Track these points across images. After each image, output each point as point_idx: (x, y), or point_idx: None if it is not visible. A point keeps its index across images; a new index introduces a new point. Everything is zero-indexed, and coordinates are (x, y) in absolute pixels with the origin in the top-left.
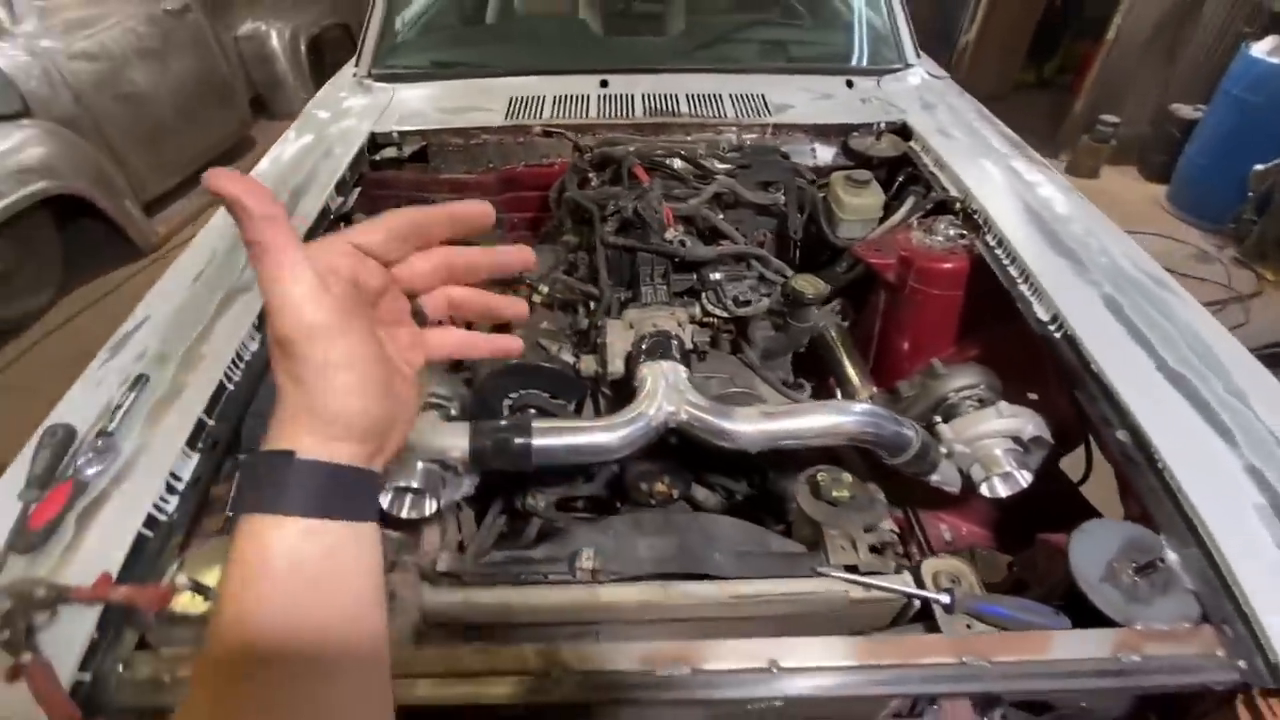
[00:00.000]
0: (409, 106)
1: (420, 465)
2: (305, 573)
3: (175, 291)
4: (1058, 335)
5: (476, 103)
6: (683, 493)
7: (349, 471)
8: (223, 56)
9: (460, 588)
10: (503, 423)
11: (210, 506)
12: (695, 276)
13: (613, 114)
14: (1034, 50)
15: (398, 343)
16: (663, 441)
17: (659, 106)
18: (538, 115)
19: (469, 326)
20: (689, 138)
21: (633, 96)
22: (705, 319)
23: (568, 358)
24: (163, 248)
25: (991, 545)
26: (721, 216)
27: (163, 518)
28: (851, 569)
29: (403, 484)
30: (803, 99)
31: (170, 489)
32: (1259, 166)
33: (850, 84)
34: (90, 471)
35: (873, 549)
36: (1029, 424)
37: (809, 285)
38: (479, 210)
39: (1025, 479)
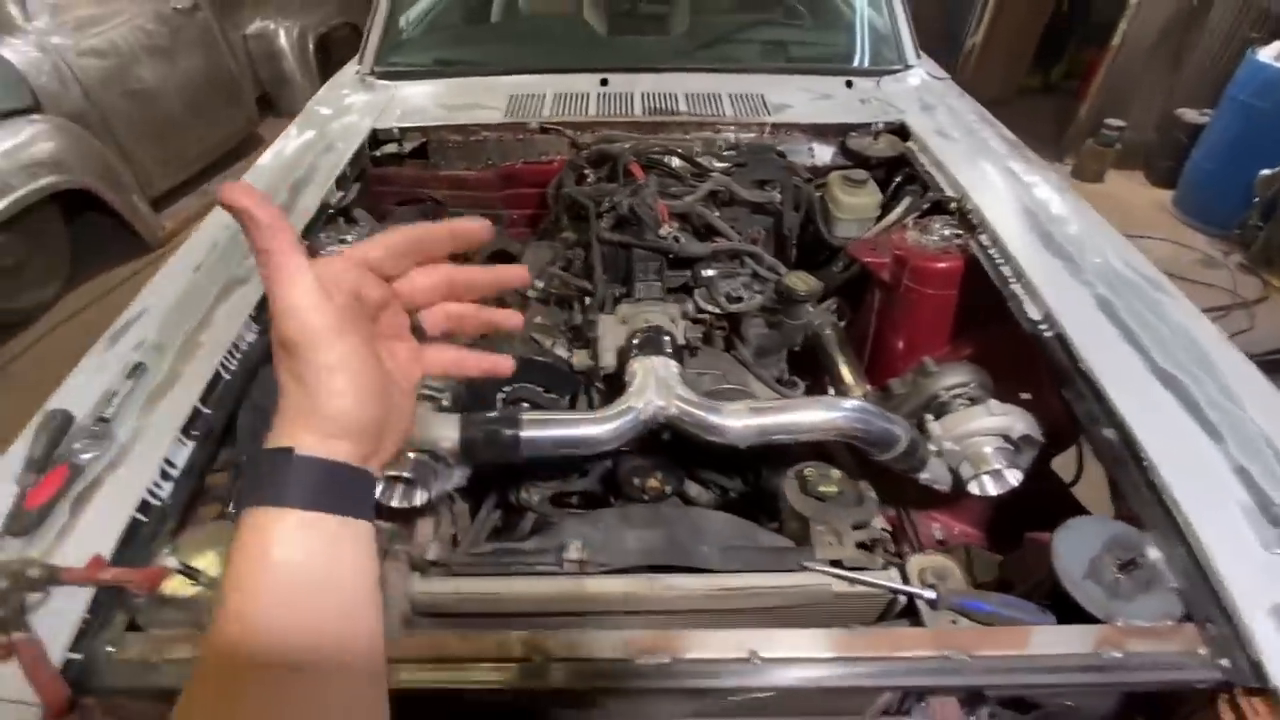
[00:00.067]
0: (411, 103)
1: (411, 455)
2: (304, 565)
3: (175, 282)
4: (1048, 334)
5: (477, 100)
6: (675, 489)
7: (345, 469)
8: (230, 54)
9: (449, 577)
10: (492, 414)
11: (205, 495)
12: (689, 273)
13: (612, 112)
14: (1040, 55)
15: (396, 357)
16: (656, 437)
17: (658, 105)
18: (538, 113)
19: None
20: (687, 136)
21: (632, 95)
22: (698, 315)
23: (561, 352)
24: (169, 243)
25: (983, 545)
26: (717, 214)
27: (156, 503)
28: (837, 564)
29: (394, 473)
30: (802, 99)
31: (164, 475)
32: (1265, 172)
33: (850, 84)
34: (86, 456)
35: (864, 546)
36: (1019, 422)
37: (802, 282)
38: (477, 227)
39: (1015, 478)
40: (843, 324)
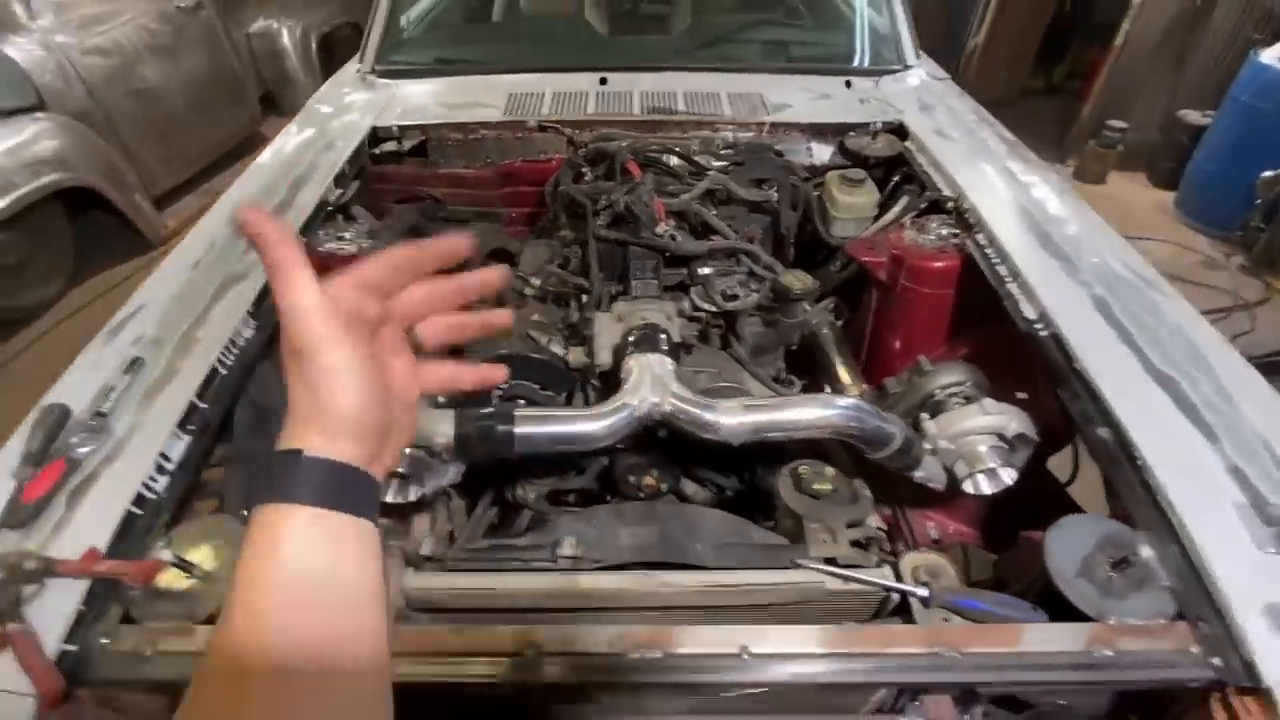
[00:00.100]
0: (411, 102)
1: (407, 451)
2: (312, 560)
3: (174, 278)
4: (1043, 334)
5: (477, 98)
6: (671, 487)
7: (351, 470)
8: (234, 53)
9: (442, 572)
10: (487, 410)
11: (201, 489)
12: (685, 271)
13: (611, 111)
14: (1043, 56)
15: (396, 374)
16: (652, 435)
17: (657, 104)
18: (537, 111)
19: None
20: (685, 135)
21: (631, 94)
22: (694, 313)
23: (558, 350)
24: (171, 241)
25: (979, 544)
26: (714, 213)
27: (152, 497)
28: (831, 561)
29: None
30: (801, 99)
31: (160, 469)
32: (1267, 173)
33: (849, 84)
34: (83, 450)
35: (858, 544)
36: (1013, 421)
37: (797, 281)
38: (460, 243)
39: (1009, 476)
40: (840, 323)
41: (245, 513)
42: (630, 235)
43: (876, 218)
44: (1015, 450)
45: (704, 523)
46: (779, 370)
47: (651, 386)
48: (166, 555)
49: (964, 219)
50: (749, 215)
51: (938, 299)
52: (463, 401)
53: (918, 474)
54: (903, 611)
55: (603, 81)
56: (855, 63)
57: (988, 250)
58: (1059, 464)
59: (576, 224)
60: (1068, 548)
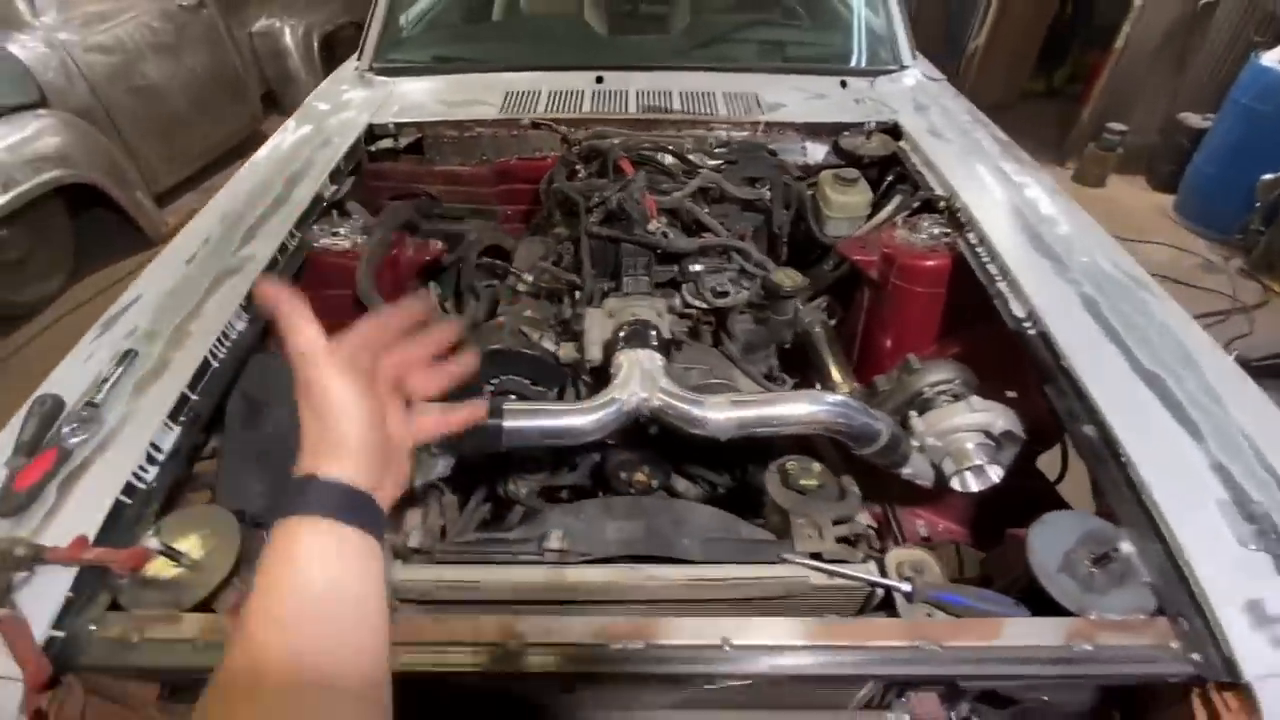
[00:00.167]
0: (408, 100)
1: None
2: (326, 568)
3: (168, 272)
4: (1032, 332)
5: (474, 96)
6: (662, 483)
7: (359, 492)
8: (236, 52)
9: (430, 565)
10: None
11: (194, 481)
12: (676, 268)
13: (606, 109)
14: (1043, 59)
15: (392, 421)
16: (644, 432)
17: (652, 103)
18: (533, 109)
19: None
20: (679, 134)
21: (627, 93)
22: (685, 310)
23: (549, 345)
24: (172, 238)
25: (968, 542)
26: (706, 210)
27: (142, 486)
28: (817, 556)
29: None
30: (796, 98)
31: (151, 459)
32: (1267, 176)
33: (844, 84)
34: (75, 440)
35: (846, 541)
36: (999, 418)
37: (787, 278)
38: (419, 309)
39: (996, 474)
40: (833, 322)
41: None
42: (622, 232)
43: (869, 217)
44: (1002, 448)
45: (691, 517)
46: (771, 368)
47: (640, 381)
48: (154, 544)
49: (955, 218)
50: (741, 213)
51: (929, 298)
52: (453, 397)
53: (905, 471)
54: (888, 607)
55: (599, 80)
56: (851, 63)
57: (978, 249)
58: (1048, 463)
59: (570, 221)
60: (1050, 544)
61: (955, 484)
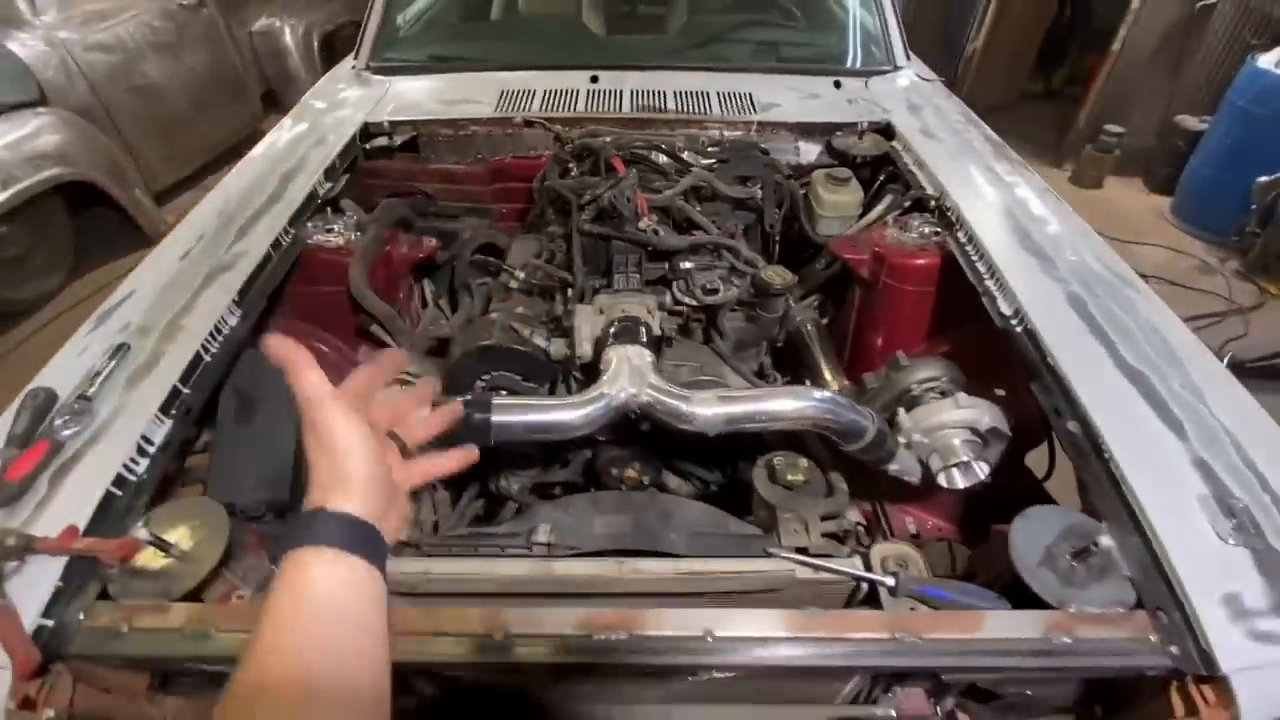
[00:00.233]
0: (404, 98)
1: None
2: (332, 595)
3: (162, 268)
4: (1018, 329)
5: (469, 95)
6: (653, 479)
7: (365, 524)
8: (236, 51)
9: (418, 558)
10: (464, 399)
11: (186, 475)
12: (667, 265)
13: (601, 108)
14: (1042, 61)
15: (391, 465)
16: (635, 428)
17: (647, 103)
18: (528, 108)
19: None
20: (673, 133)
21: (621, 92)
22: (675, 307)
23: (540, 341)
24: None
25: (958, 539)
26: (698, 209)
27: (132, 478)
28: (803, 551)
29: None
30: (789, 98)
31: (141, 451)
32: (1263, 179)
33: (838, 84)
34: (67, 432)
35: (835, 537)
36: (986, 415)
37: (776, 276)
38: (401, 357)
39: (983, 470)
40: (825, 321)
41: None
42: (613, 230)
43: (861, 216)
44: (989, 444)
45: (679, 512)
46: (762, 365)
47: (629, 377)
48: (144, 534)
49: (945, 217)
50: (733, 212)
51: (918, 296)
52: (443, 392)
53: (892, 467)
54: (872, 601)
55: (594, 80)
56: (846, 64)
57: (967, 248)
58: (1037, 460)
59: (562, 219)
60: (1032, 538)
61: (942, 480)
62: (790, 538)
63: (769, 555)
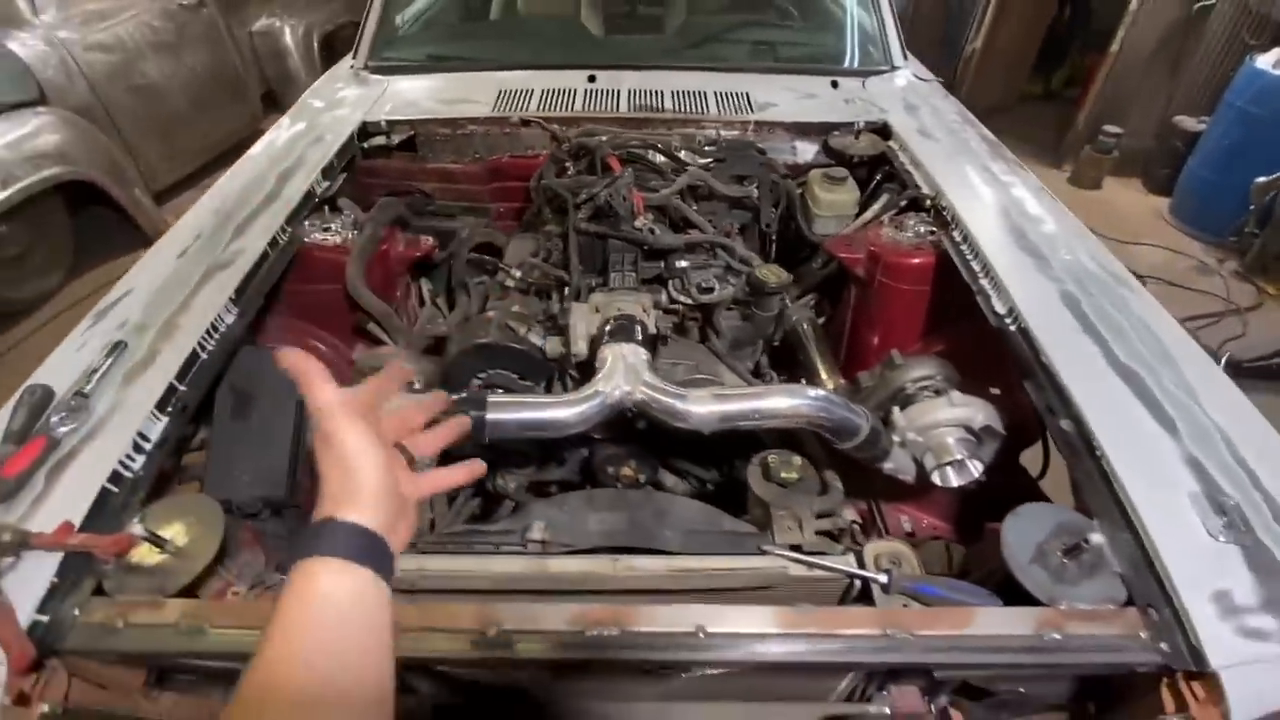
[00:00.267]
0: (402, 97)
1: None
2: (341, 604)
3: (160, 266)
4: (1012, 328)
5: (467, 95)
6: (650, 478)
7: (374, 535)
8: (236, 51)
9: (413, 555)
10: (459, 396)
11: (183, 473)
12: (663, 264)
13: (598, 108)
14: (1041, 61)
15: (400, 477)
16: (631, 427)
17: (644, 102)
18: (525, 108)
19: None
20: (670, 133)
21: (619, 91)
22: (670, 305)
23: (536, 340)
24: None
25: (953, 538)
26: (694, 208)
27: (128, 474)
28: (796, 548)
29: None
30: (787, 98)
31: (137, 448)
32: (1260, 179)
33: (835, 84)
34: (63, 429)
35: (830, 535)
36: (979, 413)
37: (772, 274)
38: (407, 370)
39: (976, 468)
40: (822, 320)
41: (227, 500)
42: (609, 228)
43: (857, 215)
44: (983, 443)
45: (673, 510)
46: (758, 364)
47: (624, 375)
48: (139, 530)
49: (941, 216)
50: (729, 211)
51: (914, 295)
52: (439, 389)
53: (887, 465)
54: (866, 598)
55: (591, 79)
56: (843, 64)
57: (962, 247)
58: (1032, 459)
59: (559, 218)
60: (1023, 535)
61: (936, 478)
62: (784, 535)
63: (763, 552)
